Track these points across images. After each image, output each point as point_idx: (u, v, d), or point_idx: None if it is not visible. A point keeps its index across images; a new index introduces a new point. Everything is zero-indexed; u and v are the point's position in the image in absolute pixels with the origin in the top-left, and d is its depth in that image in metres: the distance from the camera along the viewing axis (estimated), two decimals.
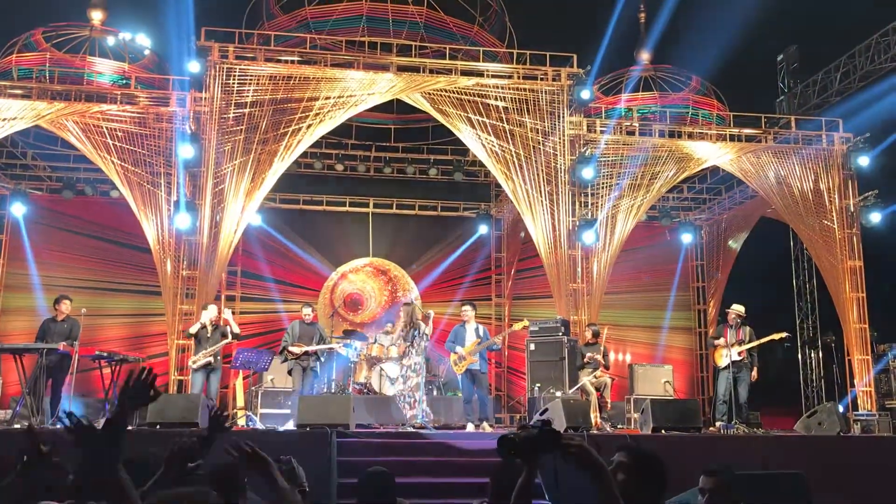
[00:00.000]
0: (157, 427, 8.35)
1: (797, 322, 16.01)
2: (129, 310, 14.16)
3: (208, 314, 10.27)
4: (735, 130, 13.53)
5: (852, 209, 13.03)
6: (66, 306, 10.10)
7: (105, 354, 9.79)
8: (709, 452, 8.29)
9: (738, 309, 10.94)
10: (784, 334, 10.88)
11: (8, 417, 10.01)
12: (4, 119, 11.45)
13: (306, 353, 10.37)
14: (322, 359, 10.68)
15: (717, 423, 10.58)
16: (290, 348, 10.37)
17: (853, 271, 12.79)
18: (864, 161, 12.91)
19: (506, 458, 2.56)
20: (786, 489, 6.17)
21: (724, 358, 10.74)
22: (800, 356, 15.92)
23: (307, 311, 10.83)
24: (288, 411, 10.66)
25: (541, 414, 9.07)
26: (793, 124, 13.75)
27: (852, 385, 12.56)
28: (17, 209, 13.92)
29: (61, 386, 9.67)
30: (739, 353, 10.54)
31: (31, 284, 13.90)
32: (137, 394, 2.29)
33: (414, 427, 9.45)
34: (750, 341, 10.66)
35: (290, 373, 10.61)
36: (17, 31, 13.32)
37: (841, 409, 10.74)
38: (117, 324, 14.07)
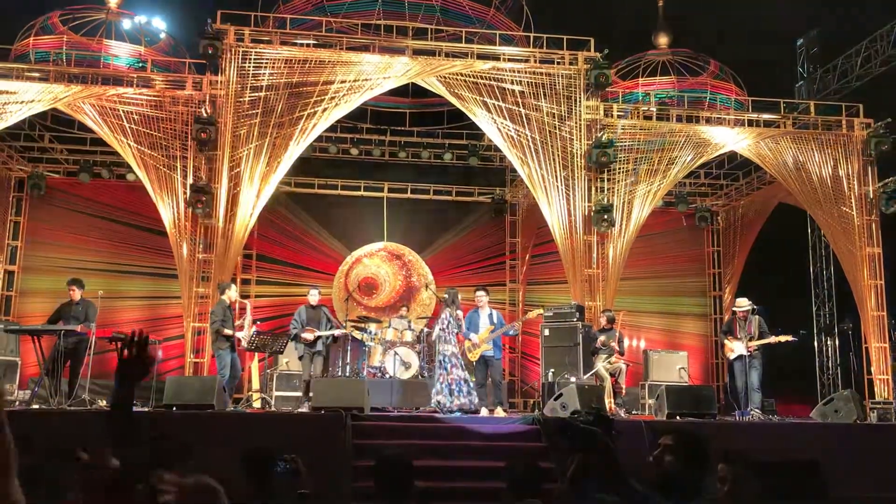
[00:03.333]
0: (174, 409, 8.42)
1: (814, 309, 15.88)
2: (145, 292, 14.27)
3: (233, 293, 10.33)
4: (753, 115, 13.40)
5: (871, 196, 12.90)
6: (76, 291, 10.01)
7: (122, 336, 9.82)
8: (724, 439, 8.26)
9: (742, 303, 10.75)
10: (791, 338, 10.71)
11: (27, 398, 10.11)
12: (22, 102, 11.49)
13: (318, 337, 10.32)
14: (328, 342, 10.61)
15: (736, 413, 10.53)
16: (303, 335, 10.31)
17: (871, 258, 12.69)
18: (884, 147, 12.75)
19: (568, 443, 2.66)
20: (801, 477, 6.13)
21: (732, 351, 10.67)
22: (816, 344, 15.82)
23: (314, 293, 10.75)
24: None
25: (555, 399, 9.07)
26: (812, 109, 13.59)
27: (869, 373, 12.48)
28: (35, 192, 14.03)
29: (79, 367, 9.74)
30: (748, 349, 10.43)
31: (48, 267, 14.04)
32: (132, 369, 2.24)
33: (431, 411, 9.49)
34: (760, 333, 10.51)
35: (300, 359, 10.53)
36: (35, 15, 13.35)
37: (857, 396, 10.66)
38: (134, 306, 14.19)
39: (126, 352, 2.23)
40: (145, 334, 2.31)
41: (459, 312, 10.12)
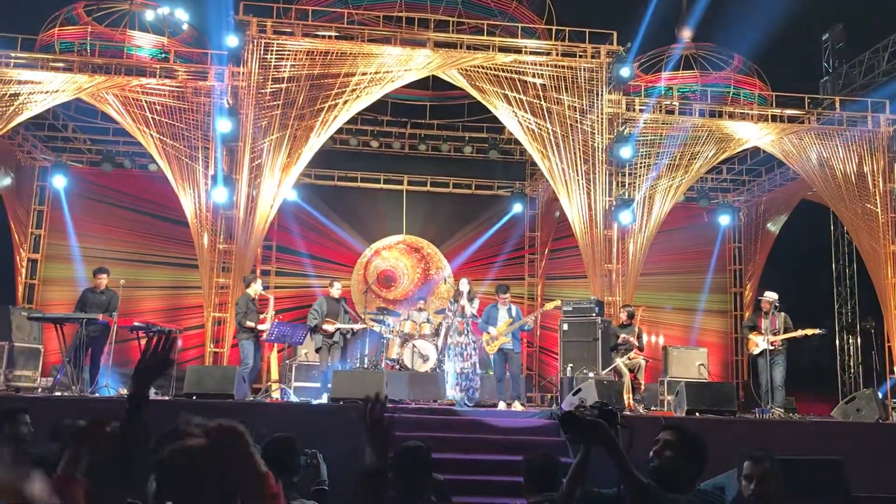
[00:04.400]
0: (194, 398, 8.48)
1: (836, 307, 15.72)
2: (165, 282, 14.39)
3: (258, 286, 10.45)
4: (777, 111, 13.26)
5: None
6: (104, 279, 10.27)
7: (143, 326, 9.92)
8: (744, 437, 8.20)
9: (770, 296, 10.66)
10: (819, 330, 10.51)
11: (49, 385, 10.22)
12: (47, 92, 11.60)
13: (338, 330, 10.42)
14: (348, 336, 10.72)
15: (756, 410, 10.42)
16: (324, 326, 10.40)
17: (895, 256, 12.53)
18: None
19: (569, 435, 2.70)
20: (823, 476, 6.08)
21: (756, 346, 10.53)
22: (837, 342, 15.66)
23: (337, 286, 10.90)
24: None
25: (574, 394, 9.04)
26: (837, 105, 13.43)
27: (892, 372, 12.34)
28: (59, 181, 14.20)
29: (100, 356, 9.84)
30: (772, 343, 10.30)
31: (71, 255, 14.18)
32: (151, 368, 2.24)
33: (449, 404, 9.52)
34: (785, 329, 10.40)
35: (317, 350, 10.67)
36: (60, 5, 13.45)
37: (879, 395, 10.55)
38: (154, 296, 14.30)
39: (150, 352, 2.23)
40: (173, 336, 2.30)
41: (466, 303, 10.07)
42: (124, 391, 10.01)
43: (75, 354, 9.40)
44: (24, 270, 14.24)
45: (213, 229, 11.58)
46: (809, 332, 10.36)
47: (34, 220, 14.58)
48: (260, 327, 10.23)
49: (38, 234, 14.54)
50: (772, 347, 10.29)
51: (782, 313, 10.46)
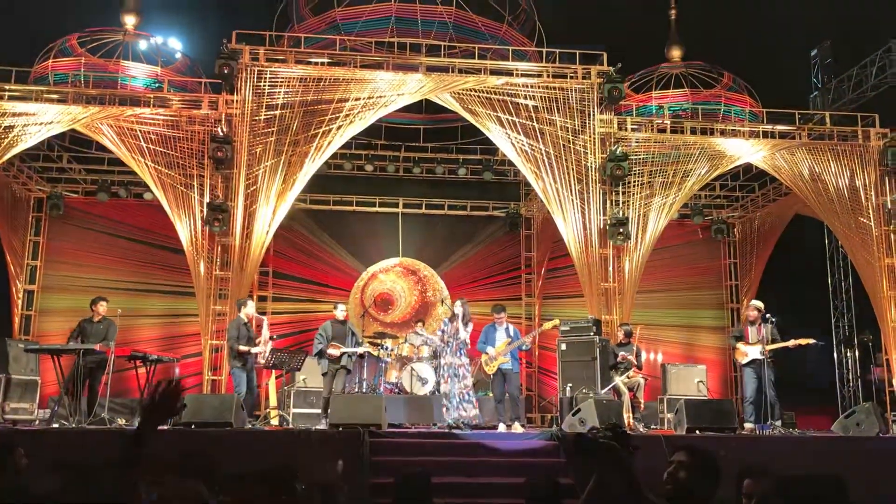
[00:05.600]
0: (192, 427, 8.44)
1: (832, 321, 15.76)
2: (162, 310, 14.36)
3: (249, 309, 10.36)
4: (768, 127, 13.35)
5: (889, 206, 12.80)
6: (102, 307, 10.24)
7: (140, 355, 9.90)
8: (746, 454, 8.18)
9: (758, 305, 10.65)
10: (812, 341, 10.45)
11: (46, 417, 10.17)
12: (41, 123, 11.65)
13: (344, 353, 10.28)
14: (353, 358, 10.61)
15: (748, 425, 10.35)
16: (329, 351, 10.26)
17: (891, 269, 12.58)
18: None
19: (582, 458, 2.71)
20: (823, 492, 6.06)
21: (745, 356, 10.46)
22: (835, 355, 15.68)
23: (341, 308, 10.79)
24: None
25: (573, 414, 9.03)
26: (827, 120, 13.54)
27: (890, 385, 12.35)
28: (54, 212, 14.19)
29: (98, 386, 9.80)
30: (763, 352, 10.21)
31: (67, 286, 14.16)
32: (160, 410, 2.24)
33: (449, 427, 9.48)
34: (772, 339, 10.32)
35: (324, 375, 10.44)
36: (53, 37, 13.55)
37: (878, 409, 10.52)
38: (151, 324, 14.28)
39: (155, 396, 2.25)
40: (182, 387, 2.30)
41: (461, 325, 10.04)
42: (122, 422, 9.99)
43: (73, 385, 9.37)
44: (20, 302, 14.20)
45: (209, 257, 11.58)
46: (803, 341, 10.29)
47: (30, 251, 14.56)
48: (254, 350, 10.06)
49: (33, 265, 14.53)
50: (761, 357, 10.20)
51: (769, 324, 10.39)
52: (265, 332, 10.32)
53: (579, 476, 7.40)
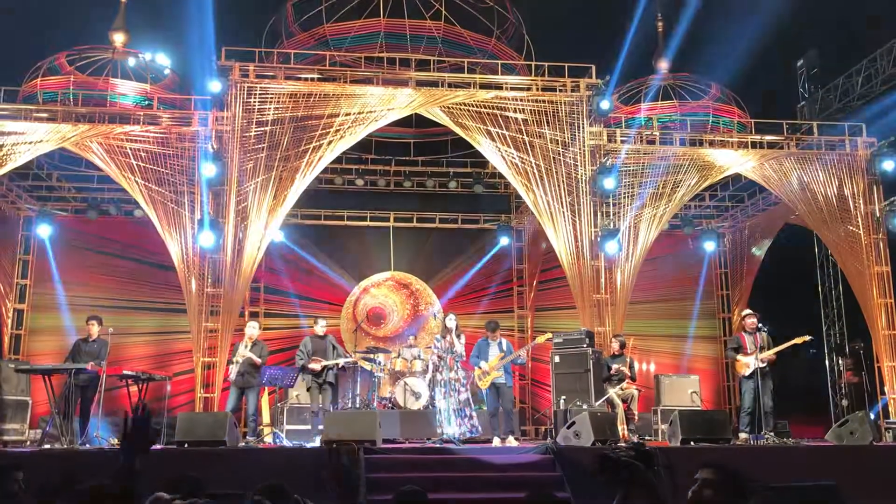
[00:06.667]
0: (185, 445, 8.39)
1: (824, 329, 15.82)
2: (154, 328, 14.28)
3: (248, 331, 10.45)
4: (757, 137, 13.44)
5: (878, 214, 12.89)
6: (95, 328, 10.18)
7: (132, 374, 9.84)
8: (740, 464, 8.17)
9: (753, 315, 10.68)
10: (807, 337, 10.52)
11: (38, 437, 10.08)
12: (30, 142, 11.61)
13: (325, 367, 10.35)
14: (335, 371, 10.64)
15: (742, 435, 10.35)
16: (310, 365, 10.33)
17: (880, 277, 12.65)
18: (888, 165, 12.76)
19: (605, 477, 2.69)
20: (818, 500, 6.07)
21: (748, 367, 10.45)
22: (828, 363, 15.73)
23: (321, 323, 10.84)
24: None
25: (568, 427, 9.01)
26: (815, 130, 13.63)
27: (882, 393, 12.38)
28: (44, 230, 14.14)
29: (90, 406, 9.73)
30: (765, 360, 10.22)
31: (57, 304, 14.08)
32: (137, 442, 2.27)
33: (443, 442, 9.46)
34: (769, 347, 10.36)
35: (308, 390, 10.61)
36: (42, 56, 13.52)
37: (871, 417, 10.55)
38: (143, 342, 14.19)
39: (129, 427, 2.29)
40: (147, 409, 2.35)
41: (455, 339, 10.05)
42: (115, 441, 9.90)
43: (65, 405, 9.29)
44: (9, 321, 14.10)
45: (201, 273, 11.54)
46: (799, 340, 10.32)
47: (19, 270, 14.48)
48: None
49: (23, 284, 14.45)
50: (762, 365, 10.22)
51: (763, 333, 10.44)
52: (241, 351, 10.32)
53: (576, 490, 7.39)
